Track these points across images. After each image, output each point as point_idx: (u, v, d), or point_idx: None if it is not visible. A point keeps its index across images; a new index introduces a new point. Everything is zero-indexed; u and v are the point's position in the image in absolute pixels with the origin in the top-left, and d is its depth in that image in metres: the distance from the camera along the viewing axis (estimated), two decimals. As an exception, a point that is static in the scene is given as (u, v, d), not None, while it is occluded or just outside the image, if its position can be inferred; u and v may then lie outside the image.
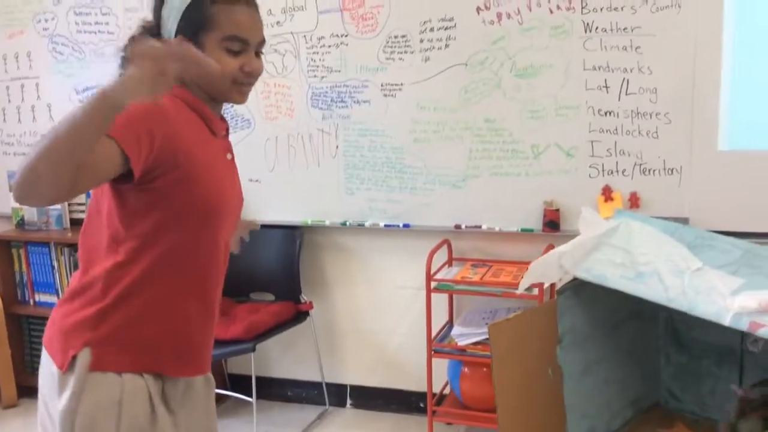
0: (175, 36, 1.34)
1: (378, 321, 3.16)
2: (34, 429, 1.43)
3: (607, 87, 2.64)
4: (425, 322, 2.74)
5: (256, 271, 3.14)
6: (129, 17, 3.18)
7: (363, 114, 2.94)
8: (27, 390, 3.30)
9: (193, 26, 1.32)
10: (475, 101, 2.79)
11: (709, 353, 1.29)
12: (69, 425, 1.27)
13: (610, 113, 2.65)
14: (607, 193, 2.67)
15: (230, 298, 3.12)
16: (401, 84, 2.87)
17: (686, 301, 0.97)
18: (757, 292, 0.94)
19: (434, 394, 2.83)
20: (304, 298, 3.13)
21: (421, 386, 2.91)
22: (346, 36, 2.92)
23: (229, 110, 3.03)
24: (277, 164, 3.08)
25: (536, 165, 2.75)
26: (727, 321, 0.90)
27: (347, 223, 3.04)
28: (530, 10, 2.67)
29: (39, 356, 1.49)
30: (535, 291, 2.56)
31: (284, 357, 3.32)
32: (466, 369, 2.76)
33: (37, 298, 3.43)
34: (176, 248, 1.31)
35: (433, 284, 2.72)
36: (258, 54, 1.39)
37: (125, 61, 1.30)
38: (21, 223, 3.45)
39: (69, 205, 3.42)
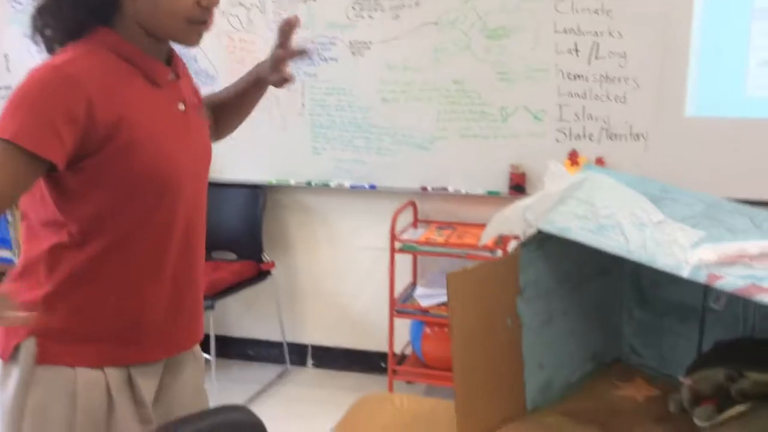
0: None
1: (341, 281, 3.14)
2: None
3: (577, 50, 2.62)
4: (388, 283, 2.73)
5: (218, 230, 3.08)
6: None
7: (330, 72, 2.88)
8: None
9: None
10: (445, 62, 2.75)
11: (672, 311, 1.30)
12: (16, 421, 1.14)
13: (579, 77, 2.64)
14: (574, 158, 2.67)
15: (191, 256, 3.07)
16: (370, 42, 2.82)
17: (646, 253, 0.97)
18: (717, 245, 0.94)
19: (396, 354, 2.84)
20: (266, 257, 3.09)
21: (382, 346, 2.92)
22: (314, -10, 2.85)
23: (192, 66, 2.94)
24: (241, 121, 3.01)
25: (504, 128, 2.74)
26: (686, 273, 0.89)
27: (312, 184, 3.00)
28: (503, -31, 2.64)
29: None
30: (500, 252, 2.57)
31: (245, 316, 3.30)
32: (428, 330, 2.77)
33: (-10, 253, 3.34)
34: (126, 229, 1.14)
35: (397, 245, 2.71)
36: None
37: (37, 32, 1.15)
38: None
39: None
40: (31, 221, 1.18)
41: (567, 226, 1.12)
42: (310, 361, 3.26)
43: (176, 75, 1.23)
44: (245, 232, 3.07)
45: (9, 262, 3.17)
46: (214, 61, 2.94)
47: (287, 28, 1.33)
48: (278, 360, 3.24)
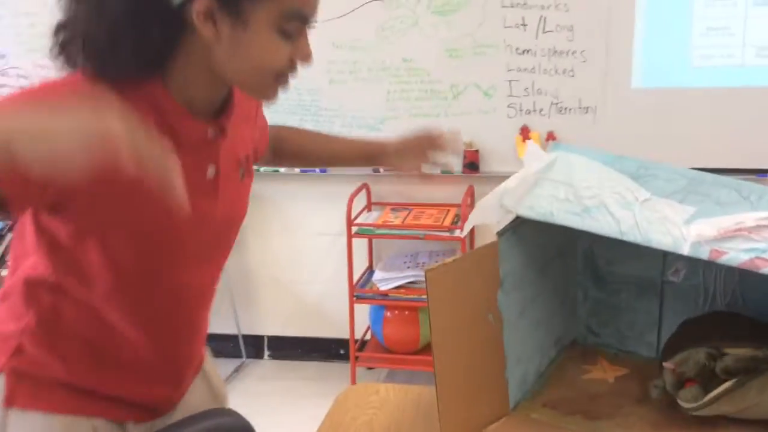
0: (187, 5, 0.84)
1: (296, 269, 3.07)
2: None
3: (524, 25, 2.60)
4: (346, 268, 2.68)
5: (164, 223, 2.97)
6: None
7: (274, 53, 2.78)
8: None
9: None
10: (393, 40, 2.69)
11: (628, 286, 1.29)
12: None
13: (527, 52, 2.62)
14: (525, 133, 2.67)
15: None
16: (315, 21, 2.72)
17: (640, 233, 0.94)
18: (713, 219, 0.92)
19: (356, 341, 2.80)
20: (217, 248, 2.99)
21: (342, 333, 2.87)
22: (253, -32, 2.73)
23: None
24: (182, 108, 2.89)
25: (455, 105, 2.70)
26: (685, 251, 0.87)
27: (261, 170, 2.90)
28: (447, -57, 2.58)
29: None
30: (457, 232, 2.55)
31: (198, 311, 3.19)
32: (388, 313, 2.74)
33: None
34: (114, 289, 0.96)
35: (354, 229, 2.66)
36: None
37: (63, 52, 0.89)
38: None
39: None
40: (18, 252, 1.00)
41: (549, 210, 1.08)
42: (267, 353, 3.19)
43: (221, 129, 0.97)
44: (193, 224, 2.96)
45: None
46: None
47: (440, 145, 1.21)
48: (234, 354, 3.16)
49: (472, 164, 2.69)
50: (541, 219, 1.08)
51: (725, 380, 1.06)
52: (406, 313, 2.68)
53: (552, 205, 1.09)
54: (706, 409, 1.05)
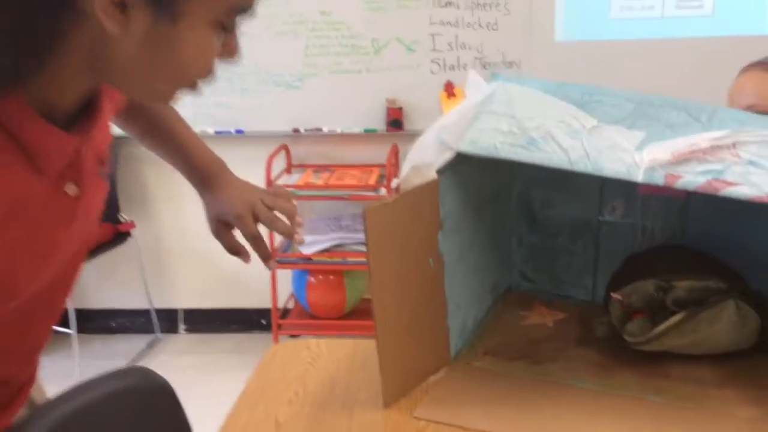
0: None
1: (211, 238, 2.87)
2: None
3: (447, -24, 2.52)
4: (266, 233, 2.54)
5: (64, 191, 2.73)
6: None
7: (181, 5, 2.58)
8: None
9: None
10: (309, -9, 2.55)
11: (564, 229, 1.24)
12: None
13: (450, 4, 2.54)
14: (450, 89, 2.59)
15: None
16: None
17: (590, 162, 0.88)
18: (666, 143, 0.86)
19: (278, 309, 2.68)
20: (123, 217, 2.78)
21: (263, 302, 2.74)
22: None
23: None
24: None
25: (377, 61, 2.59)
26: (639, 177, 0.81)
27: (170, 131, 2.71)
28: None
29: None
30: (382, 191, 2.46)
31: (105, 285, 2.97)
32: (311, 279, 2.63)
33: None
34: None
35: (273, 192, 2.52)
36: None
37: None
38: None
39: None
40: None
41: (492, 144, 1.00)
42: (182, 327, 3.02)
43: (87, 137, 0.76)
44: (97, 191, 2.74)
45: None
46: None
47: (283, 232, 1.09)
48: (146, 329, 2.97)
49: (395, 122, 2.60)
50: (485, 154, 0.99)
51: (673, 313, 1.02)
52: (331, 277, 2.58)
53: (495, 139, 1.01)
54: (654, 343, 1.01)
